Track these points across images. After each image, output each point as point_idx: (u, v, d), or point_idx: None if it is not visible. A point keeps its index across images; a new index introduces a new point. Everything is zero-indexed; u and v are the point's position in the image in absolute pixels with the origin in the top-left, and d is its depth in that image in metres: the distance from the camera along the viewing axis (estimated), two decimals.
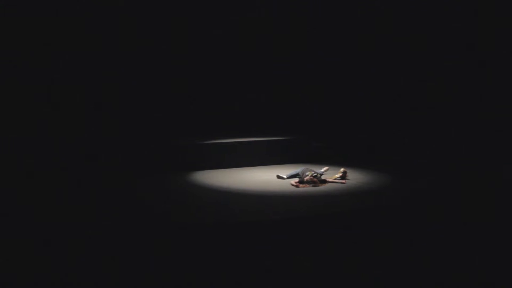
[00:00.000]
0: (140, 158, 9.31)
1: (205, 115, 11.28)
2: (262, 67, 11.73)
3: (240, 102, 11.63)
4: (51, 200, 7.00)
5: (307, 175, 8.24)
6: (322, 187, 8.13)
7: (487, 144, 9.85)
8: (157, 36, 10.50)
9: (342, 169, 8.75)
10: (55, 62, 9.69)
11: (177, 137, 10.54)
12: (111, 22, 10.16)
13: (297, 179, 8.38)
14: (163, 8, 10.49)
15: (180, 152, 9.75)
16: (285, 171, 9.11)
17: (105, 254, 5.00)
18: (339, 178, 8.58)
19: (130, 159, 9.21)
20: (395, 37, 10.97)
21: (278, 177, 8.79)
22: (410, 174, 9.08)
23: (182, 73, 11.18)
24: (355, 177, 8.83)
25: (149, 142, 9.84)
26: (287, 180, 8.58)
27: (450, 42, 10.48)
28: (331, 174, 8.83)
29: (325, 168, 8.97)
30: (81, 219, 6.02)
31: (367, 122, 11.46)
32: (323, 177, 8.55)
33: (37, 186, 7.69)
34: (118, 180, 8.44)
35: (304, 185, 8.10)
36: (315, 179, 8.18)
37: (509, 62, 9.88)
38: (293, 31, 11.39)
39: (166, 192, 7.84)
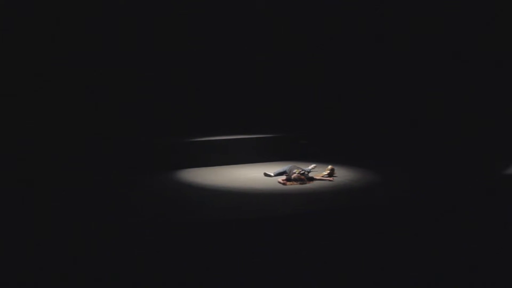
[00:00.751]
0: (123, 157, 9.17)
1: (190, 112, 11.11)
2: (248, 64, 11.68)
3: (226, 100, 11.51)
4: (31, 202, 6.87)
5: (295, 173, 8.18)
6: (309, 185, 8.10)
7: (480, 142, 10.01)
8: (141, 30, 10.37)
9: (329, 167, 8.70)
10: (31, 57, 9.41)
11: (162, 135, 10.40)
12: (91, 17, 9.98)
13: (284, 177, 8.31)
14: (148, 3, 10.28)
15: (165, 150, 9.66)
16: (272, 168, 9.04)
17: (92, 256, 4.97)
18: (326, 176, 8.54)
19: (114, 158, 9.06)
20: (392, 33, 11.02)
21: (265, 174, 8.73)
22: (401, 171, 9.16)
23: (168, 68, 11.02)
24: (343, 175, 8.81)
25: (132, 140, 9.69)
26: (275, 177, 8.55)
27: (450, 41, 10.65)
28: (319, 172, 8.81)
29: (312, 166, 8.99)
30: (65, 221, 5.93)
31: (355, 119, 11.43)
32: (310, 174, 8.56)
33: (20, 188, 7.56)
34: (102, 180, 8.30)
35: (291, 182, 8.05)
36: (302, 177, 8.14)
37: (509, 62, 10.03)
38: (278, 26, 11.50)
39: (150, 191, 7.77)
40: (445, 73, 10.48)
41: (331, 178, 8.46)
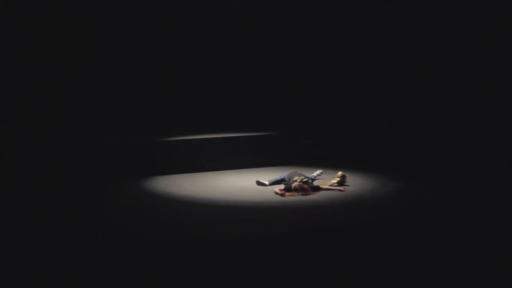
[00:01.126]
0: (85, 160, 8.99)
1: (166, 106, 10.96)
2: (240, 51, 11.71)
3: (210, 90, 11.42)
4: None
5: (295, 181, 7.79)
6: (314, 196, 7.70)
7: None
8: (108, 27, 10.57)
9: (340, 173, 8.26)
10: None
11: (132, 133, 10.17)
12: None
13: (282, 186, 7.93)
14: None
15: (135, 151, 9.29)
16: (267, 175, 8.76)
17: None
18: (336, 185, 8.12)
19: (75, 161, 8.91)
20: (397, 30, 11.25)
21: (258, 183, 8.34)
22: (424, 179, 8.89)
23: (145, 60, 11.00)
24: (357, 183, 8.46)
25: (96, 140, 9.46)
26: (270, 187, 8.19)
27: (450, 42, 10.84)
28: (326, 179, 8.48)
29: (318, 172, 8.68)
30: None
31: (370, 114, 11.37)
32: (315, 183, 8.21)
33: None
34: (59, 186, 8.27)
35: (291, 193, 7.67)
36: (305, 186, 7.75)
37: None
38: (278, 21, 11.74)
39: (115, 205, 7.46)
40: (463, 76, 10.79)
41: (341, 188, 8.06)
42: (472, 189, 8.00)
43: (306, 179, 7.93)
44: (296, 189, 7.69)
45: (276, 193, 7.72)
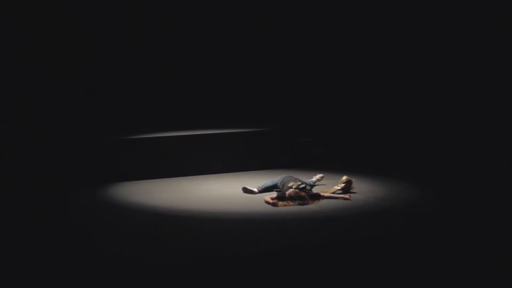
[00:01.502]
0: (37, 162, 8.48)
1: (137, 98, 10.55)
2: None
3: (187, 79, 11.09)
4: None
5: (291, 187, 7.42)
6: (313, 206, 7.23)
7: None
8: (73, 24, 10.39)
9: (344, 178, 7.87)
10: None
11: (97, 131, 9.69)
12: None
13: (274, 194, 7.52)
14: None
15: (99, 151, 8.82)
16: (256, 181, 8.38)
17: None
18: (340, 192, 7.75)
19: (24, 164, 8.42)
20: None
21: (246, 190, 7.96)
22: (443, 184, 8.63)
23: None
24: (366, 190, 8.05)
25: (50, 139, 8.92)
26: (260, 195, 7.79)
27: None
28: (328, 186, 8.12)
29: (318, 176, 8.36)
30: None
31: (369, 114, 11.30)
32: (315, 189, 7.86)
33: None
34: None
35: (286, 202, 7.25)
36: (302, 193, 7.33)
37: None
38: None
39: (72, 213, 7.11)
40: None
41: (347, 196, 7.65)
42: (472, 189, 8.15)
43: (303, 185, 7.50)
44: (291, 198, 7.24)
45: (267, 202, 7.27)
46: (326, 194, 7.56)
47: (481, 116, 10.92)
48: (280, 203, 7.19)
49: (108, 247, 5.67)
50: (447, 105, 11.29)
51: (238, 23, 11.84)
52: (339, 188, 7.72)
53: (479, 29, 10.90)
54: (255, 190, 7.86)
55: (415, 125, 11.39)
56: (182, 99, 11.18)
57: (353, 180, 7.92)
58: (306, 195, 7.31)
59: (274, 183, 7.82)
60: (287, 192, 7.28)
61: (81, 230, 6.35)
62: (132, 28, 11.18)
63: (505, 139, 10.45)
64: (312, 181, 8.06)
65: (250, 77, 11.76)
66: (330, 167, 9.49)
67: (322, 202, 7.32)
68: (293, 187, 7.35)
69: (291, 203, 7.18)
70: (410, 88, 11.54)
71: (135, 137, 9.19)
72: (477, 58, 11.05)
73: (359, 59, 11.98)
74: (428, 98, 11.45)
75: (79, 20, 10.71)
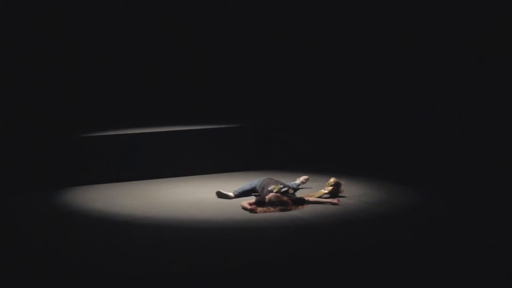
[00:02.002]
0: None
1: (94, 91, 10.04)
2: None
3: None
4: None
5: (271, 191, 7.00)
6: (297, 212, 6.83)
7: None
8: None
9: (332, 180, 7.42)
10: None
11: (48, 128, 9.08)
12: None
13: (253, 199, 7.13)
14: None
15: (50, 151, 8.20)
16: (232, 185, 7.98)
17: None
18: (327, 196, 7.29)
19: None
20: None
21: (220, 195, 7.53)
22: (442, 186, 8.35)
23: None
24: (356, 194, 7.64)
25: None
26: (236, 200, 7.39)
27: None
28: (314, 189, 7.69)
29: (302, 178, 7.94)
30: None
31: (370, 104, 11.02)
32: (298, 193, 7.46)
33: None
34: None
35: (265, 208, 6.83)
36: (284, 198, 6.93)
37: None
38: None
39: (18, 224, 6.66)
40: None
41: (335, 200, 7.22)
42: (467, 192, 7.97)
43: (285, 189, 7.08)
44: (272, 203, 6.81)
45: (245, 208, 6.86)
46: (311, 199, 7.15)
47: (480, 116, 10.76)
48: (259, 209, 6.77)
49: (61, 260, 5.20)
50: (446, 105, 11.11)
51: (218, 17, 11.48)
52: (326, 191, 7.28)
53: (479, 29, 10.83)
54: (231, 194, 7.44)
55: (409, 126, 11.15)
56: (150, 95, 10.75)
57: (342, 182, 7.48)
58: (289, 199, 6.92)
59: (253, 186, 7.40)
60: (267, 197, 6.88)
61: (30, 242, 5.85)
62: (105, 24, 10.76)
63: (504, 140, 10.19)
64: (295, 183, 7.63)
65: (235, 73, 11.41)
66: (315, 168, 9.08)
67: (307, 208, 6.90)
68: (274, 190, 6.92)
69: (272, 209, 6.74)
70: (409, 88, 11.31)
71: (92, 135, 8.66)
72: (477, 58, 10.98)
73: (359, 59, 11.78)
74: (427, 98, 11.27)
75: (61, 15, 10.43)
